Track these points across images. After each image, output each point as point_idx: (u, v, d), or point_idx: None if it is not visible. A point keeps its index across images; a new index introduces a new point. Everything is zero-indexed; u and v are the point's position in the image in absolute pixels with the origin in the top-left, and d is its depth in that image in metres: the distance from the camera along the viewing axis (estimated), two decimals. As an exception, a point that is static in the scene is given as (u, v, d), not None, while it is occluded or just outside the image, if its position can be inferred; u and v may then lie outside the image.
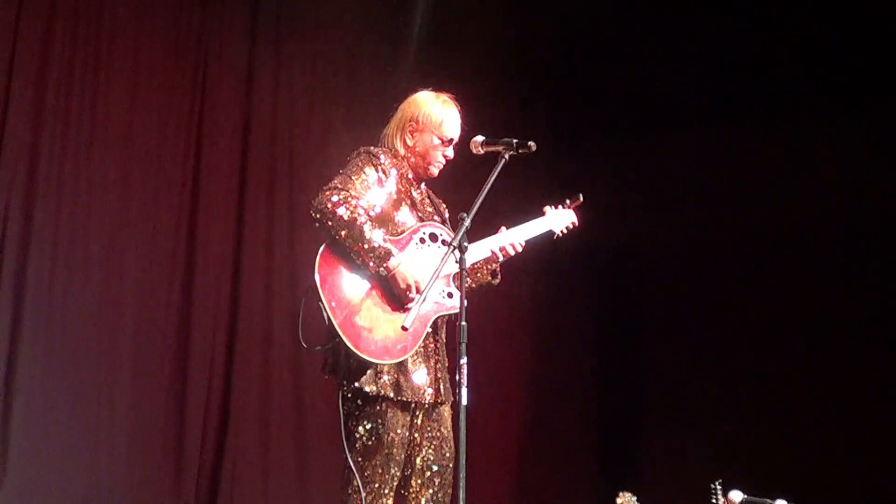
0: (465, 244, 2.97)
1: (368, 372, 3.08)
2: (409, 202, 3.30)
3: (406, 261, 3.14)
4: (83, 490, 4.71)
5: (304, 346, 3.09)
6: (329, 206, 3.07)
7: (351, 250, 3.08)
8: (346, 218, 3.05)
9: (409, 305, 3.08)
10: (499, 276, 3.51)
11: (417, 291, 3.09)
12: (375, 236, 3.09)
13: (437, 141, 3.33)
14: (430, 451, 3.23)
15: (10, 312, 4.57)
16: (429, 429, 3.23)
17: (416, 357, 3.16)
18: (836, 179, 6.35)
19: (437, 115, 3.34)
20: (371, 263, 3.08)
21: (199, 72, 5.42)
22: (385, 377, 3.09)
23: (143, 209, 5.14)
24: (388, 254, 3.09)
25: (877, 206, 6.14)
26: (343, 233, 3.06)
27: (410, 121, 3.36)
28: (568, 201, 3.67)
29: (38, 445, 4.59)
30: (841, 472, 5.96)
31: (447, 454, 3.24)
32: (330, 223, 3.07)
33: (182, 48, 5.37)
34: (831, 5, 5.77)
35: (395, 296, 3.13)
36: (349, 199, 3.09)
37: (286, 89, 5.83)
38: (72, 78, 4.88)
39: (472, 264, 3.37)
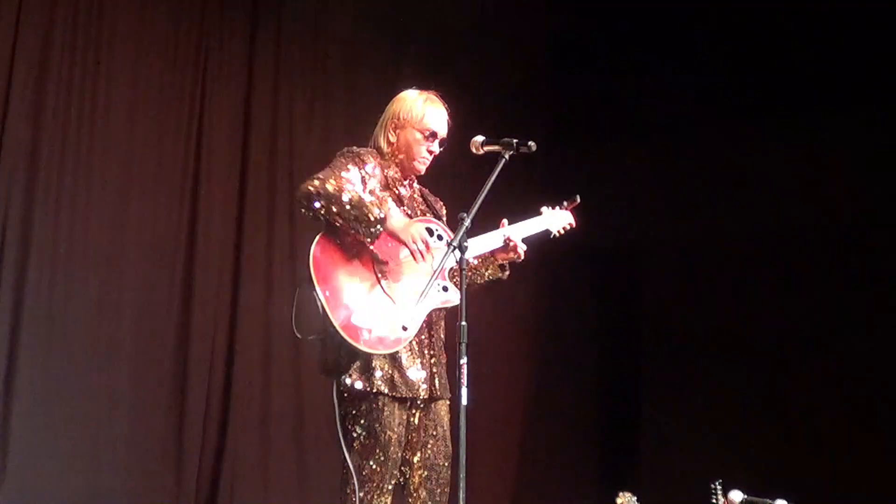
0: (465, 244, 2.96)
1: (360, 367, 3.06)
2: (396, 200, 3.28)
3: (395, 215, 3.12)
4: (83, 490, 4.71)
5: (298, 335, 3.07)
6: (311, 188, 3.04)
7: (344, 220, 3.02)
8: (331, 190, 3.03)
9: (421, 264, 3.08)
10: (507, 269, 3.50)
11: (424, 244, 3.08)
12: (365, 199, 3.05)
13: (418, 136, 3.34)
14: (428, 450, 3.21)
15: (10, 312, 4.57)
16: (426, 428, 3.22)
17: (409, 353, 3.14)
18: (838, 181, 6.34)
19: (417, 110, 3.35)
20: (364, 228, 3.03)
21: (199, 71, 5.43)
22: (378, 373, 3.07)
23: (144, 209, 5.14)
24: (379, 219, 3.04)
25: (877, 209, 6.13)
26: (334, 208, 3.01)
27: (392, 118, 3.38)
28: (565, 202, 3.67)
29: (38, 445, 4.59)
30: (841, 472, 5.96)
31: (444, 453, 3.23)
32: (317, 203, 3.02)
33: (182, 48, 5.38)
34: (832, 4, 5.78)
35: (395, 280, 3.11)
36: (330, 178, 3.08)
37: (286, 89, 5.83)
38: (72, 78, 4.89)
39: (473, 259, 3.36)
